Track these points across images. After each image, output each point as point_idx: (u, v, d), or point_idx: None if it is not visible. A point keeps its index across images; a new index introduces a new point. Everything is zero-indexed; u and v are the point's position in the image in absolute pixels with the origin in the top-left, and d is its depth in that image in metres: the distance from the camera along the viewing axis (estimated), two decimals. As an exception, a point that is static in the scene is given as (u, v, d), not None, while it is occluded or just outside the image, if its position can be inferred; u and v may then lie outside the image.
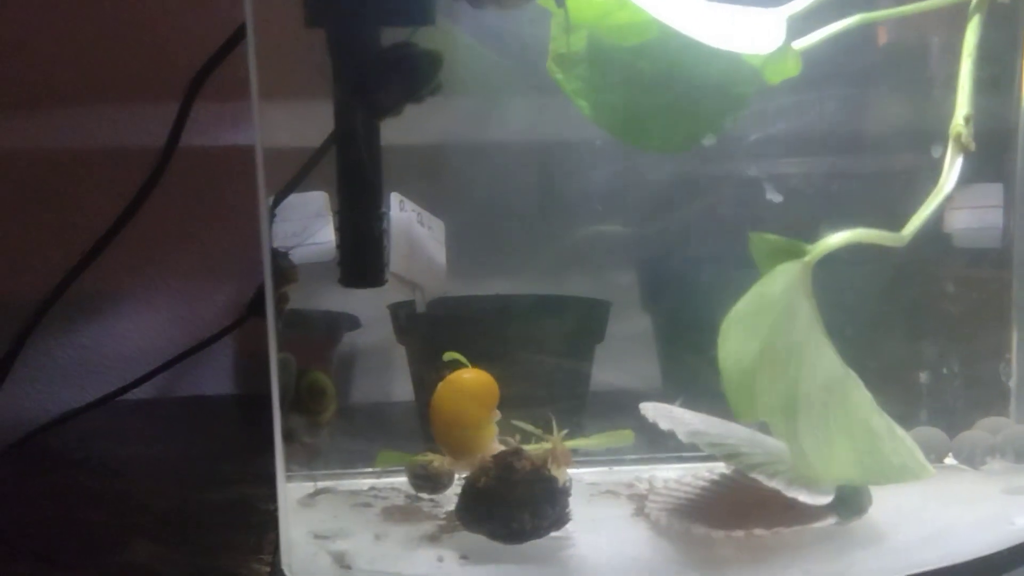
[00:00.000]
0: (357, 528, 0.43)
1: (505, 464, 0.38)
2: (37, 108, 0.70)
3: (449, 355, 0.43)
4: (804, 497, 0.39)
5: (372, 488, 0.47)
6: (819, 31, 0.40)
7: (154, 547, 0.44)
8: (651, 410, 0.43)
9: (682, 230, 0.53)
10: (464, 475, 0.41)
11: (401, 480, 0.45)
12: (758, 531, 0.39)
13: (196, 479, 0.55)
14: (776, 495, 0.39)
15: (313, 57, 0.44)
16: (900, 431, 0.40)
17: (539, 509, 0.38)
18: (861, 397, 0.39)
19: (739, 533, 0.39)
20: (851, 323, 0.41)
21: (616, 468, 0.49)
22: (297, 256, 0.45)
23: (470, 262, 0.53)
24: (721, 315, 0.36)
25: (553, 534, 0.39)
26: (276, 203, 0.44)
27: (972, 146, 0.38)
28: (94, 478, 0.56)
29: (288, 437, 0.41)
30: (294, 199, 0.46)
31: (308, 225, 0.47)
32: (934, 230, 0.48)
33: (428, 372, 0.46)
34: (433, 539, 0.41)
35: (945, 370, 0.50)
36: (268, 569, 0.41)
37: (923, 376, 0.50)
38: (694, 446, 0.41)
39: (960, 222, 0.50)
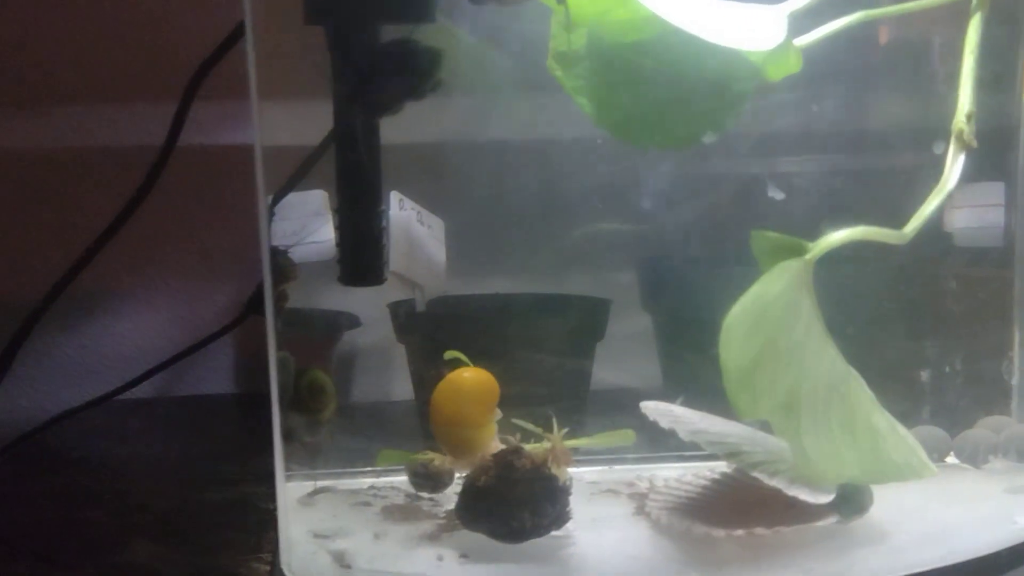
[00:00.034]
0: (357, 527, 0.43)
1: (505, 463, 0.38)
2: (36, 108, 0.70)
3: (450, 354, 0.42)
4: (805, 496, 0.39)
5: (372, 487, 0.47)
6: (820, 28, 0.40)
7: (154, 547, 0.44)
8: (652, 409, 0.43)
9: (682, 228, 0.53)
10: (464, 474, 0.41)
11: (401, 479, 0.45)
12: (759, 530, 0.39)
13: (196, 478, 0.55)
14: (777, 494, 0.39)
15: (312, 55, 0.44)
16: (902, 429, 0.40)
17: (539, 508, 0.38)
18: (863, 395, 0.39)
19: (740, 532, 0.39)
20: (853, 321, 0.41)
21: (617, 467, 0.49)
22: (296, 255, 0.45)
23: (470, 261, 0.53)
24: (722, 313, 0.36)
25: (553, 533, 0.39)
26: (275, 202, 0.44)
27: (974, 143, 0.38)
28: (93, 478, 0.56)
29: (288, 436, 0.41)
30: (293, 198, 0.46)
31: (307, 223, 0.46)
32: (935, 229, 0.48)
33: (428, 371, 0.46)
34: (433, 538, 0.41)
35: (947, 368, 0.50)
36: (268, 568, 0.41)
37: (925, 374, 0.50)
38: (695, 445, 0.41)
39: (961, 221, 0.50)
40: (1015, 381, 0.49)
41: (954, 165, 0.38)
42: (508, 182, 0.52)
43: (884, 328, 0.50)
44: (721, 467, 0.44)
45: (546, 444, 0.41)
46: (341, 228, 0.46)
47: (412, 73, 0.43)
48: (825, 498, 0.40)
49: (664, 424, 0.41)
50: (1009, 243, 0.50)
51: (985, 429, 0.48)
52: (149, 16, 0.69)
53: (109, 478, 0.56)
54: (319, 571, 0.39)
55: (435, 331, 0.51)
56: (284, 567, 0.39)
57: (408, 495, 0.46)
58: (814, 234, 0.37)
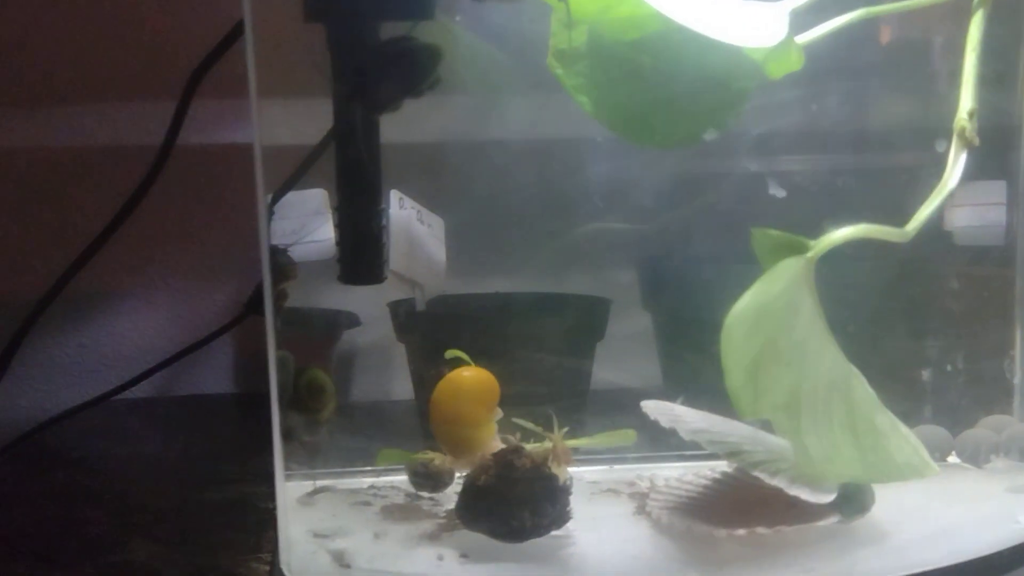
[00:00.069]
0: (356, 527, 0.42)
1: (505, 462, 0.38)
2: (36, 107, 0.70)
3: (451, 353, 0.42)
4: (806, 495, 0.39)
5: (371, 486, 0.47)
6: (822, 25, 0.40)
7: (153, 546, 0.44)
8: (653, 408, 0.43)
9: (683, 227, 0.53)
10: (464, 473, 0.41)
11: (400, 478, 0.45)
12: (760, 530, 0.38)
13: (195, 478, 0.54)
14: (778, 493, 0.39)
15: (311, 53, 0.44)
16: (904, 428, 0.40)
17: (539, 507, 0.38)
18: (864, 394, 0.39)
19: (741, 532, 0.39)
20: (854, 320, 0.40)
21: (617, 466, 0.49)
22: (296, 253, 0.45)
23: (470, 260, 0.53)
24: (722, 312, 0.36)
25: (554, 533, 0.39)
26: (275, 200, 0.44)
27: (976, 141, 0.38)
28: (93, 477, 0.56)
29: (287, 435, 0.41)
30: (293, 196, 0.46)
31: (307, 222, 0.46)
32: (937, 227, 0.48)
33: (428, 370, 0.46)
34: (433, 538, 0.41)
35: (949, 367, 0.50)
36: (267, 568, 0.41)
37: (926, 373, 0.50)
38: (696, 444, 0.41)
39: (962, 219, 0.50)
40: (1017, 380, 0.49)
41: (956, 163, 0.38)
42: (508, 181, 0.52)
43: (886, 327, 0.50)
44: (722, 466, 0.44)
45: (547, 444, 0.41)
46: (341, 227, 0.46)
47: (411, 70, 0.43)
48: (826, 497, 0.40)
49: (665, 423, 0.41)
50: (1011, 242, 0.50)
51: (987, 428, 0.48)
52: (148, 15, 0.69)
53: (109, 478, 0.56)
54: (319, 571, 0.39)
55: (435, 330, 0.51)
56: (284, 567, 0.39)
57: (408, 494, 0.46)
58: (815, 232, 0.37)
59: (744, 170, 0.51)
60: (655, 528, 0.41)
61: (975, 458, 0.48)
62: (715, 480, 0.44)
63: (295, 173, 0.47)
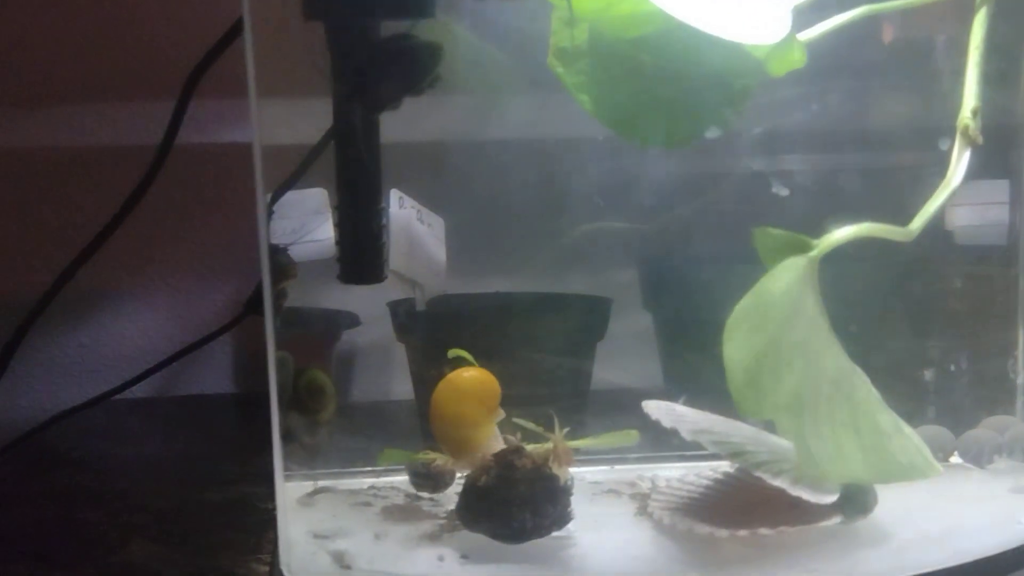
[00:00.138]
0: (357, 527, 0.42)
1: (506, 463, 0.38)
2: (36, 106, 0.70)
3: (453, 352, 0.42)
4: (809, 496, 0.39)
5: (372, 487, 0.47)
6: (824, 23, 0.40)
7: (153, 546, 0.44)
8: (654, 408, 0.42)
9: (684, 226, 0.53)
10: (465, 474, 0.41)
11: (401, 479, 0.45)
12: (762, 530, 0.38)
13: (195, 478, 0.54)
14: (781, 494, 0.39)
15: (311, 52, 0.44)
16: (907, 429, 0.40)
17: (540, 508, 0.38)
18: (867, 394, 0.38)
19: (743, 532, 0.38)
20: (857, 319, 0.40)
21: (618, 467, 0.49)
22: (296, 253, 0.44)
23: (470, 259, 0.52)
24: (724, 312, 0.35)
25: (555, 533, 0.39)
26: (275, 200, 0.44)
27: (980, 139, 0.38)
28: (92, 477, 0.56)
29: (287, 436, 0.41)
30: (293, 196, 0.46)
31: (307, 222, 0.46)
32: (940, 227, 0.48)
33: (428, 370, 0.46)
34: (433, 538, 0.41)
35: (952, 367, 0.50)
36: (267, 569, 0.41)
37: (929, 373, 0.50)
38: (698, 444, 0.40)
39: (963, 218, 0.50)
40: (1020, 380, 0.49)
41: (959, 161, 0.38)
42: (508, 180, 0.52)
43: (888, 326, 0.50)
44: (724, 467, 0.44)
45: (548, 444, 0.41)
46: (341, 226, 0.46)
47: (411, 69, 0.43)
48: (829, 498, 0.39)
49: (666, 423, 0.41)
50: (1014, 241, 0.50)
51: (990, 429, 0.48)
52: (147, 15, 0.69)
53: (109, 478, 0.56)
54: (319, 571, 0.39)
55: (435, 330, 0.51)
56: (283, 567, 0.39)
57: (408, 495, 0.45)
58: (818, 231, 0.37)
59: (746, 169, 0.51)
60: (657, 529, 0.41)
61: (978, 459, 0.48)
62: (717, 481, 0.44)
63: (295, 172, 0.47)
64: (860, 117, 0.52)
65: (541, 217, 0.53)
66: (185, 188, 0.68)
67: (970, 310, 0.50)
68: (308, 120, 0.46)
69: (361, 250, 0.46)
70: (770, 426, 0.40)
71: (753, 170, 0.50)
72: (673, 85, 0.42)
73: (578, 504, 0.39)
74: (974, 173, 0.38)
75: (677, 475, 0.45)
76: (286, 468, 0.40)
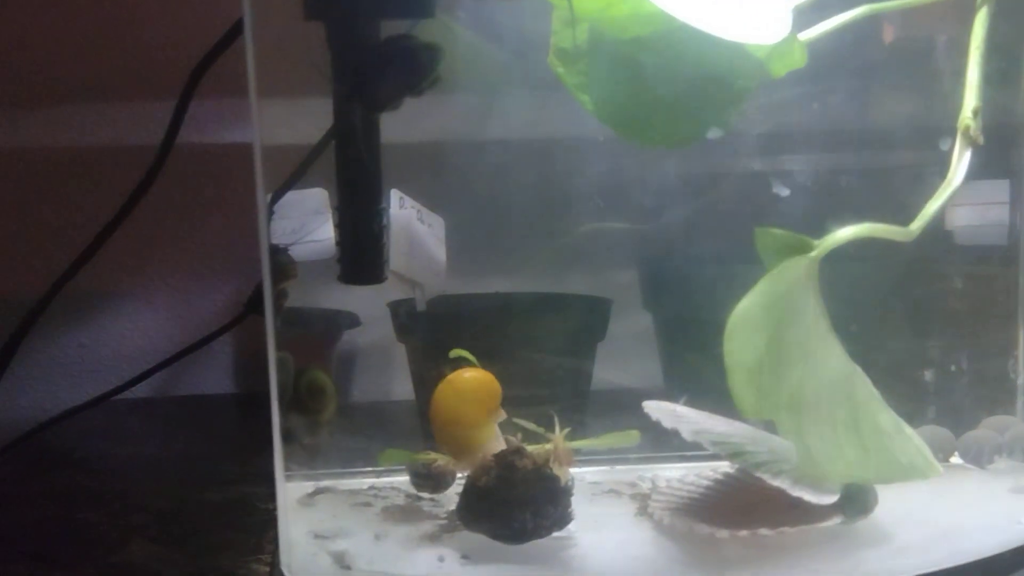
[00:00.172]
0: (357, 528, 0.42)
1: (507, 463, 0.38)
2: (36, 106, 0.69)
3: (455, 352, 0.42)
4: (809, 496, 0.39)
5: (372, 487, 0.47)
6: (825, 22, 0.40)
7: (153, 547, 0.44)
8: (655, 408, 0.42)
9: (684, 226, 0.53)
10: (465, 474, 0.41)
11: (401, 479, 0.45)
12: (763, 531, 0.38)
13: (195, 478, 0.54)
14: (781, 494, 0.39)
15: (311, 52, 0.44)
16: (908, 429, 0.40)
17: (541, 508, 0.38)
18: (868, 394, 0.38)
19: (743, 533, 0.38)
20: (858, 320, 0.40)
21: (619, 467, 0.49)
22: (296, 253, 0.44)
23: (470, 259, 0.52)
24: (724, 312, 0.35)
25: (555, 534, 0.39)
26: (275, 200, 0.44)
27: (980, 139, 0.38)
28: (92, 477, 0.56)
29: (287, 437, 0.41)
30: (293, 196, 0.46)
31: (307, 222, 0.46)
32: (941, 227, 0.48)
33: (428, 370, 0.46)
34: (434, 539, 0.41)
35: (952, 368, 0.50)
36: (267, 569, 0.41)
37: (930, 374, 0.50)
38: (698, 445, 0.40)
39: (965, 219, 0.50)
40: (1021, 380, 0.49)
41: (960, 161, 0.38)
42: (509, 180, 0.52)
43: (889, 327, 0.50)
44: (724, 467, 0.44)
45: (548, 445, 0.41)
46: (341, 226, 0.46)
47: (411, 69, 0.43)
48: (829, 498, 0.39)
49: (667, 424, 0.41)
50: (1015, 241, 0.50)
51: (990, 429, 0.48)
52: (147, 15, 0.69)
53: (109, 478, 0.56)
54: (319, 572, 0.39)
55: (435, 330, 0.51)
56: (284, 568, 0.39)
57: (408, 495, 0.45)
58: (819, 232, 0.37)
59: (746, 169, 0.51)
60: (657, 529, 0.41)
61: (978, 459, 0.48)
62: (717, 481, 0.44)
63: (295, 172, 0.47)
64: (861, 117, 0.52)
65: (541, 217, 0.53)
66: (185, 188, 0.68)
67: (970, 310, 0.50)
68: (308, 120, 0.46)
69: (361, 250, 0.46)
70: (770, 426, 0.40)
71: (753, 170, 0.50)
72: (674, 85, 0.42)
73: (578, 504, 0.39)
74: (975, 173, 0.38)
75: (677, 475, 0.45)
76: (287, 468, 0.40)
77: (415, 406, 0.52)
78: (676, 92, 0.42)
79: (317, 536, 0.41)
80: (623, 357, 0.54)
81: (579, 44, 0.42)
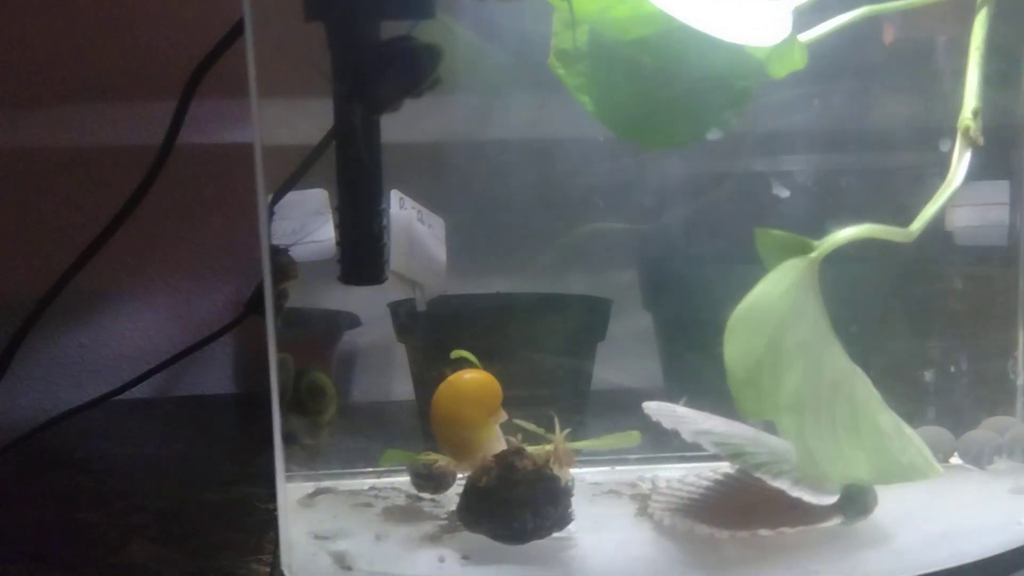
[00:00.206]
0: (357, 528, 0.42)
1: (507, 464, 0.38)
2: (36, 106, 0.69)
3: (457, 353, 0.42)
4: (809, 497, 0.39)
5: (372, 488, 0.47)
6: (825, 24, 0.40)
7: (153, 547, 0.44)
8: (655, 409, 0.42)
9: (684, 227, 0.53)
10: (466, 475, 0.41)
11: (402, 480, 0.45)
12: (763, 531, 0.38)
13: (195, 479, 0.54)
14: (781, 495, 0.39)
15: (312, 52, 0.44)
16: (908, 429, 0.40)
17: (541, 509, 0.38)
18: (868, 395, 0.39)
19: (743, 533, 0.38)
20: (858, 320, 0.40)
21: (619, 468, 0.49)
22: (297, 254, 0.44)
23: (471, 260, 0.52)
24: (724, 313, 0.35)
25: (555, 534, 0.39)
26: (275, 200, 0.44)
27: (980, 140, 0.38)
28: (92, 478, 0.56)
29: (288, 439, 0.41)
30: (293, 196, 0.46)
31: (307, 222, 0.46)
32: (940, 228, 0.48)
33: (428, 371, 0.46)
34: (434, 539, 0.41)
35: (952, 368, 0.50)
36: (268, 570, 0.41)
37: (930, 374, 0.50)
38: (698, 445, 0.40)
39: (965, 219, 0.50)
40: (1020, 381, 0.49)
41: (960, 162, 0.38)
42: (509, 180, 0.52)
43: (889, 327, 0.50)
44: (724, 468, 0.44)
45: (549, 446, 0.41)
46: (341, 227, 0.46)
47: (412, 71, 0.43)
48: (829, 499, 0.39)
49: (667, 424, 0.41)
50: (1015, 242, 0.50)
51: (990, 429, 0.48)
52: (147, 15, 0.69)
53: (109, 478, 0.56)
54: (320, 572, 0.39)
55: (435, 331, 0.51)
56: (284, 568, 0.39)
57: (409, 496, 0.45)
58: (819, 232, 0.37)
59: (746, 170, 0.51)
60: (657, 530, 0.41)
61: (978, 459, 0.48)
62: (717, 482, 0.44)
63: (295, 173, 0.47)
64: (861, 118, 0.52)
65: (541, 217, 0.53)
66: (185, 188, 0.68)
67: (970, 311, 0.50)
68: (309, 121, 0.46)
69: (362, 251, 0.46)
70: (770, 427, 0.40)
71: (754, 171, 0.50)
72: (674, 86, 0.42)
73: (579, 505, 0.39)
74: (974, 174, 0.38)
75: (677, 476, 0.45)
76: (287, 469, 0.40)
77: (415, 406, 0.52)
78: (676, 93, 0.42)
79: (317, 536, 0.41)
80: (623, 357, 0.54)
81: (579, 45, 0.42)
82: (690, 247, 0.53)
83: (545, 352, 0.50)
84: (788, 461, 0.40)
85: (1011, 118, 0.48)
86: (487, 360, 0.43)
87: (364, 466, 0.48)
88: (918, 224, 0.38)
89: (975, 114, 0.38)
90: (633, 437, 0.44)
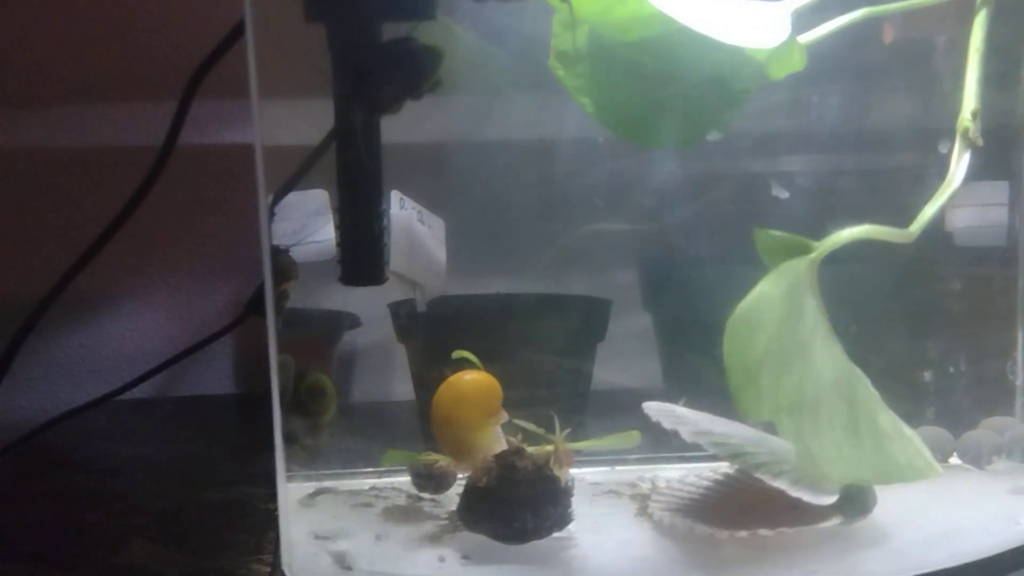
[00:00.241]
0: (358, 528, 0.42)
1: (507, 464, 0.38)
2: (36, 106, 0.70)
3: (458, 353, 0.42)
4: (808, 497, 0.39)
5: (373, 488, 0.47)
6: (824, 25, 0.40)
7: (153, 547, 0.44)
8: (655, 409, 0.43)
9: (684, 227, 0.53)
10: (466, 475, 0.41)
11: (402, 480, 0.45)
12: (762, 531, 0.38)
13: (195, 479, 0.54)
14: (780, 495, 0.39)
15: (312, 53, 0.44)
16: (907, 429, 0.40)
17: (541, 509, 0.38)
18: (867, 395, 0.39)
19: (743, 533, 0.39)
20: (857, 321, 0.40)
21: (619, 468, 0.49)
22: (297, 254, 0.44)
23: (471, 260, 0.52)
24: (724, 313, 0.35)
25: (555, 534, 0.39)
26: (276, 201, 0.44)
27: (980, 141, 0.38)
28: (93, 478, 0.56)
29: (288, 439, 0.41)
30: (294, 197, 0.46)
31: (308, 223, 0.46)
32: (940, 228, 0.48)
33: (429, 371, 0.46)
34: (435, 539, 0.41)
35: (951, 369, 0.50)
36: (268, 570, 0.41)
37: (929, 375, 0.50)
38: (698, 446, 0.41)
39: (965, 220, 0.50)
40: (1019, 381, 0.49)
41: (959, 163, 0.38)
42: (509, 181, 0.52)
43: (888, 328, 0.50)
44: (724, 468, 0.44)
45: (549, 446, 0.41)
46: (342, 227, 0.46)
47: (412, 72, 0.43)
48: (828, 499, 0.39)
49: (667, 425, 0.41)
50: (1013, 242, 0.50)
51: (989, 430, 0.48)
52: (147, 15, 0.69)
53: (109, 478, 0.56)
54: (320, 572, 0.39)
55: (436, 331, 0.51)
56: (285, 568, 0.39)
57: (409, 496, 0.45)
58: (818, 233, 0.37)
59: (746, 171, 0.51)
60: (657, 530, 0.41)
61: (977, 460, 0.48)
62: (717, 482, 0.44)
63: (296, 174, 0.47)
64: (860, 119, 0.52)
65: (541, 218, 0.53)
66: (186, 189, 0.68)
67: (969, 311, 0.50)
68: (309, 121, 0.46)
69: (362, 251, 0.46)
70: (770, 427, 0.40)
71: (753, 172, 0.50)
72: (673, 88, 0.42)
73: (579, 505, 0.39)
74: (974, 175, 0.38)
75: (677, 476, 0.45)
76: (288, 469, 0.40)
77: (416, 407, 0.52)
78: (676, 94, 0.42)
79: (318, 536, 0.41)
80: (623, 358, 0.54)
81: (579, 47, 0.42)
82: (690, 247, 0.53)
83: (545, 353, 0.50)
84: (787, 461, 0.40)
85: (1011, 119, 0.48)
86: (487, 361, 0.43)
87: (364, 466, 0.48)
88: (917, 225, 0.38)
89: (974, 115, 0.38)
90: (633, 437, 0.44)
